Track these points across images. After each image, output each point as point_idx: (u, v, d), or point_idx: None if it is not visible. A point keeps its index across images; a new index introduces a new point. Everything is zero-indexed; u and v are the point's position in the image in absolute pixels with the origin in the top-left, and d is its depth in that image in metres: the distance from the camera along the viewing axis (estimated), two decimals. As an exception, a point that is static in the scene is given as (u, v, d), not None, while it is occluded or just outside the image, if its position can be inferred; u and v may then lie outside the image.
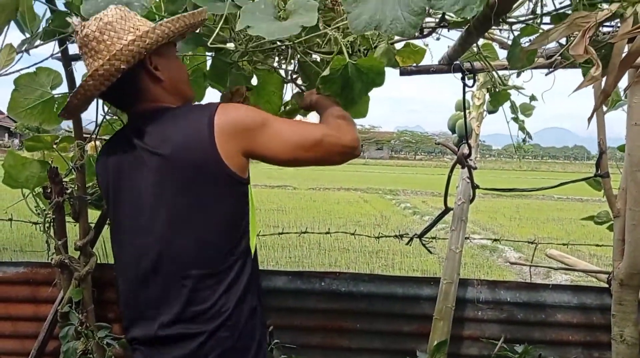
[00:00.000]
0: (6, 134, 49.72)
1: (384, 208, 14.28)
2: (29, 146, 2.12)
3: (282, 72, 1.74)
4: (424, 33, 1.58)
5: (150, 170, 1.25)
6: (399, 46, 1.74)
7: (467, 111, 2.53)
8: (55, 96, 1.99)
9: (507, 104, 2.21)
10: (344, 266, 7.24)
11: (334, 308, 2.47)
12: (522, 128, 2.12)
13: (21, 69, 1.73)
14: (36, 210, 2.20)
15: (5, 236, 7.73)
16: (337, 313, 2.48)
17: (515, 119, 2.29)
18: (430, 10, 1.50)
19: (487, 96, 2.48)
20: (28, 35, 1.71)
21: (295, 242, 8.35)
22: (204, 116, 1.24)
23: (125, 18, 1.28)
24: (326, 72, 1.43)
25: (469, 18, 1.25)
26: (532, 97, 2.05)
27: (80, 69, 2.09)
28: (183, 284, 1.24)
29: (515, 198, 17.42)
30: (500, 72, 1.86)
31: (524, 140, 2.15)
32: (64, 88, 2.00)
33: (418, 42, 1.73)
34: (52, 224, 2.18)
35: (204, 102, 1.78)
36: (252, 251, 1.33)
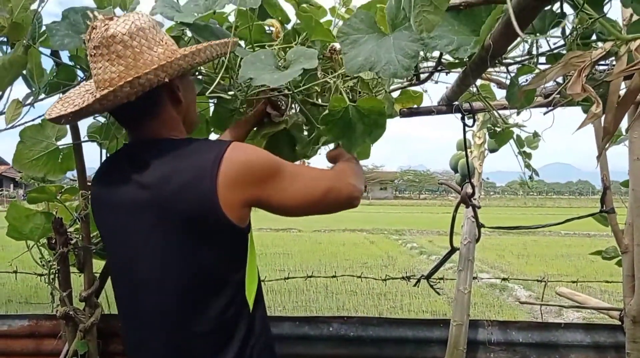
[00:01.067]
0: (11, 185, 50.04)
1: (391, 249, 14.18)
2: (31, 198, 2.13)
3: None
4: (421, 79, 1.60)
5: (143, 208, 1.16)
6: (397, 93, 1.77)
7: (468, 150, 2.56)
8: (60, 147, 2.01)
9: (510, 141, 2.23)
10: (352, 310, 7.15)
11: (343, 353, 2.42)
12: (527, 165, 2.12)
13: (26, 123, 1.75)
14: (41, 261, 2.20)
15: (10, 288, 7.69)
16: (346, 358, 2.43)
17: (522, 154, 2.28)
18: (427, 54, 1.55)
19: (488, 135, 2.50)
20: (34, 89, 1.75)
21: (302, 286, 8.26)
22: (209, 160, 1.14)
23: (155, 28, 1.20)
24: (326, 111, 1.44)
25: (464, 59, 1.28)
26: (535, 134, 2.07)
27: (84, 121, 2.12)
28: (175, 341, 1.18)
29: (523, 235, 17.28)
30: (500, 112, 1.88)
31: (530, 177, 2.15)
32: (68, 139, 2.03)
33: (416, 88, 1.76)
34: (56, 275, 2.17)
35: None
36: (251, 305, 1.22)
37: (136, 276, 1.21)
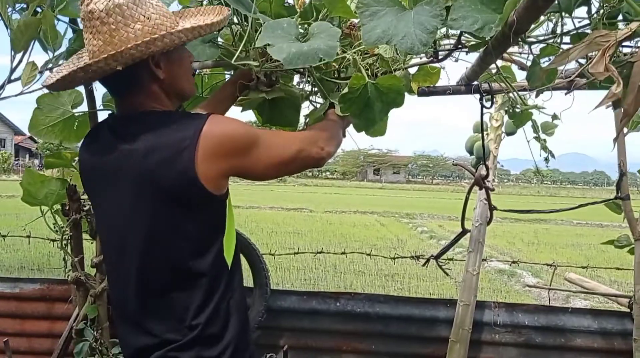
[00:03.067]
0: (27, 155, 50.58)
1: (401, 232, 14.19)
2: (48, 163, 2.15)
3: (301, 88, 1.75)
4: (439, 57, 1.58)
5: (126, 179, 1.21)
6: (414, 70, 1.75)
7: (484, 133, 2.53)
8: (76, 114, 2.02)
9: (525, 127, 2.19)
10: (359, 289, 7.18)
11: (349, 329, 2.45)
12: (544, 147, 2.09)
13: (41, 88, 1.75)
14: (54, 227, 2.23)
15: (23, 255, 7.82)
16: (353, 334, 2.45)
17: (537, 139, 2.25)
18: (449, 31, 1.52)
19: (506, 118, 2.47)
20: (51, 55, 1.75)
21: (310, 264, 8.32)
22: (188, 135, 1.18)
23: (137, 3, 1.21)
24: (345, 90, 1.43)
25: (487, 38, 1.26)
26: (555, 117, 2.03)
27: (100, 89, 2.12)
28: (156, 300, 1.24)
29: (534, 223, 17.19)
30: (520, 93, 1.85)
31: (546, 159, 2.11)
32: (84, 107, 2.03)
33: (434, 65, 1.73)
34: (69, 241, 2.20)
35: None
36: (229, 264, 1.29)
37: (121, 243, 1.27)
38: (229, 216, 1.29)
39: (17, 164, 41.41)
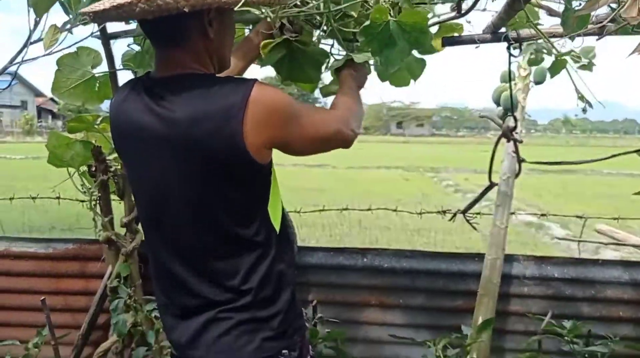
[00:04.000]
0: (49, 117, 51.26)
1: (425, 186, 14.14)
2: (71, 127, 2.16)
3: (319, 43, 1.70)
4: (463, 10, 1.52)
5: (168, 144, 1.18)
6: (435, 28, 1.68)
7: (512, 83, 2.46)
8: (96, 75, 2.02)
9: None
10: (385, 244, 7.22)
11: (376, 284, 2.46)
12: (581, 97, 1.99)
13: (63, 49, 1.74)
14: (82, 189, 2.26)
15: (53, 216, 8.01)
16: (380, 289, 2.46)
17: (580, 96, 2.13)
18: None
19: (534, 67, 2.38)
20: (71, 16, 1.73)
21: (335, 220, 8.36)
22: (236, 102, 1.14)
23: None
24: (367, 22, 1.36)
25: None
26: (590, 64, 1.94)
27: (119, 48, 2.11)
28: (204, 264, 1.24)
29: (562, 174, 16.94)
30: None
31: (584, 109, 2.02)
32: (103, 67, 2.02)
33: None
34: (98, 202, 2.24)
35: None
36: (277, 229, 1.29)
37: (164, 207, 1.25)
38: (274, 184, 1.29)
39: (40, 126, 42.03)
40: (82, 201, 2.36)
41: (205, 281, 1.24)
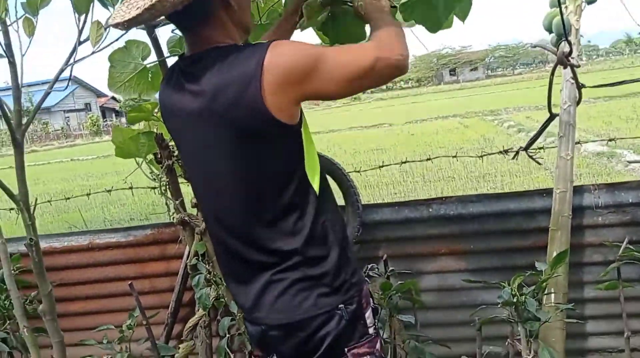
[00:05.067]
0: (113, 115, 53.23)
1: (487, 131, 13.78)
2: (131, 118, 2.26)
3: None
4: None
5: (200, 117, 1.24)
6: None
7: (563, 6, 2.34)
8: (148, 66, 2.09)
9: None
10: (451, 194, 7.15)
11: (445, 233, 2.46)
12: None
13: (110, 44, 1.81)
14: (151, 176, 2.37)
15: (130, 208, 8.43)
16: (449, 237, 2.47)
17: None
18: None
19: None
20: (112, 10, 1.80)
21: (398, 178, 8.34)
22: (251, 67, 1.17)
23: None
24: None
25: None
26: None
27: (163, 34, 2.16)
28: (249, 231, 1.29)
29: (631, 98, 16.02)
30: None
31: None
32: (153, 57, 2.09)
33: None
34: (167, 186, 2.34)
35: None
36: (317, 188, 1.30)
37: (207, 181, 1.34)
38: (307, 143, 1.30)
39: (105, 125, 43.80)
40: (154, 188, 2.48)
41: (253, 248, 1.30)
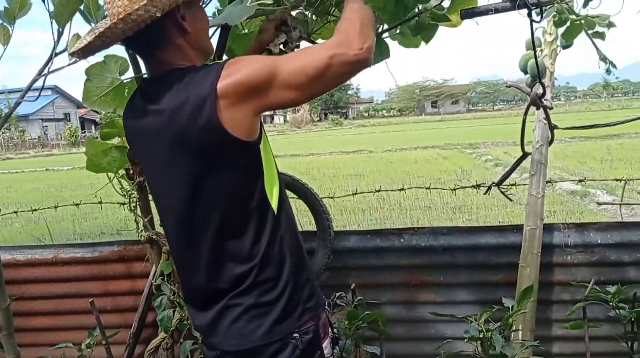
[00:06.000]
0: (93, 126, 52.71)
1: (464, 163, 13.93)
2: (105, 133, 2.23)
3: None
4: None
5: (159, 138, 1.25)
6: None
7: (538, 48, 2.40)
8: (125, 81, 2.07)
9: (586, 39, 2.03)
10: (426, 224, 7.17)
11: (415, 263, 2.46)
12: (603, 58, 1.94)
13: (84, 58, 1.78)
14: (122, 191, 2.33)
15: (102, 221, 8.29)
16: (420, 268, 2.46)
17: (601, 56, 2.06)
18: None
19: (560, 30, 2.32)
20: (93, 25, 1.78)
21: (375, 204, 8.35)
22: (207, 86, 1.18)
23: None
24: None
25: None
26: (610, 24, 1.89)
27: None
28: (207, 252, 1.28)
29: (606, 139, 16.41)
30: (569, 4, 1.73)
31: (607, 70, 1.96)
32: (131, 73, 2.07)
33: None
34: (137, 203, 2.30)
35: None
36: (275, 206, 1.29)
37: (167, 200, 1.34)
38: (267, 160, 1.29)
39: (84, 136, 43.34)
40: (123, 204, 2.44)
41: (210, 270, 1.29)
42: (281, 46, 1.56)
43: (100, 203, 2.69)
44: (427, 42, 1.72)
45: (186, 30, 1.28)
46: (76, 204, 2.84)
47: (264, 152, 1.29)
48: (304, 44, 1.64)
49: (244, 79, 1.19)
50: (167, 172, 1.29)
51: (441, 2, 1.61)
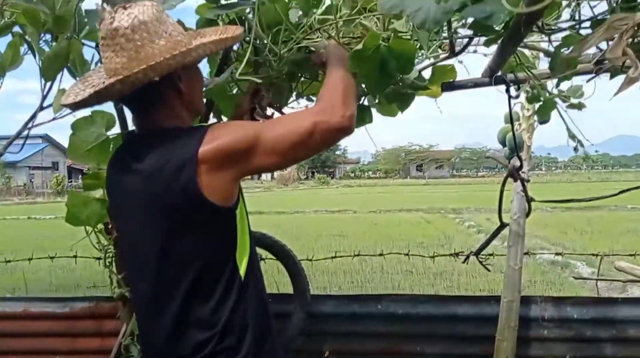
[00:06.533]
0: (80, 176, 52.39)
1: (447, 228, 13.97)
2: (87, 184, 2.22)
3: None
4: (456, 51, 1.56)
5: (139, 197, 1.25)
6: (428, 72, 1.71)
7: (517, 123, 2.48)
8: (110, 136, 2.08)
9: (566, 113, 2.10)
10: (407, 289, 7.12)
11: (392, 331, 2.43)
12: (572, 136, 2.01)
13: (71, 112, 1.81)
14: (98, 246, 2.30)
15: (79, 274, 8.09)
16: (396, 336, 2.43)
17: (570, 134, 2.14)
18: (464, 22, 1.49)
19: (537, 106, 2.40)
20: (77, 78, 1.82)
21: (357, 266, 8.28)
22: (188, 149, 1.19)
23: (160, 20, 1.23)
24: (359, 46, 1.39)
25: (496, 27, 1.24)
26: (580, 105, 1.96)
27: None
28: (174, 316, 1.25)
29: (586, 211, 16.63)
30: (544, 80, 1.80)
31: (575, 148, 2.03)
32: (117, 128, 2.09)
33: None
34: (113, 259, 2.27)
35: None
36: (243, 273, 1.28)
37: (138, 261, 1.32)
38: (241, 226, 1.29)
39: (70, 185, 42.99)
40: (99, 258, 2.40)
41: (175, 334, 1.26)
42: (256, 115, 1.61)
43: (75, 257, 2.65)
44: (402, 111, 1.76)
45: (182, 91, 1.30)
46: (51, 258, 2.79)
47: (240, 217, 1.29)
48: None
49: (226, 145, 1.20)
50: (140, 231, 1.28)
51: (421, 71, 1.68)
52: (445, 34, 1.52)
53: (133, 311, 2.22)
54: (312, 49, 1.53)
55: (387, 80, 1.46)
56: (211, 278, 1.24)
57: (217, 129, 1.24)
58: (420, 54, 1.62)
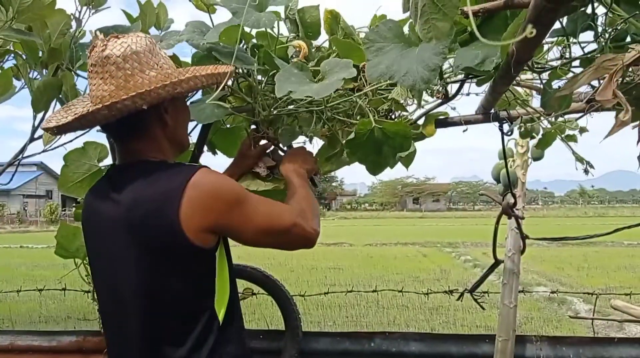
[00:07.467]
0: (74, 205, 52.18)
1: (444, 262, 13.90)
2: (78, 214, 2.19)
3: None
4: (449, 96, 1.58)
5: (116, 230, 1.21)
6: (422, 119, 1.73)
7: (511, 159, 2.48)
8: (102, 168, 2.07)
9: (562, 148, 2.10)
10: (402, 324, 7.03)
11: (385, 370, 2.38)
12: (579, 159, 1.97)
13: (64, 143, 1.81)
14: (87, 279, 2.27)
15: (69, 305, 7.98)
16: (389, 375, 2.38)
17: (577, 157, 2.12)
18: (455, 67, 1.51)
19: (531, 143, 2.41)
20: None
21: (352, 301, 8.19)
22: (175, 186, 1.17)
23: (153, 52, 1.24)
24: (352, 135, 1.43)
25: (490, 71, 1.25)
26: (574, 136, 1.97)
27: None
28: (147, 355, 1.22)
29: (582, 246, 16.59)
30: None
31: (585, 171, 1.99)
32: (109, 160, 2.08)
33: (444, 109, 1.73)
34: (101, 292, 2.23)
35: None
36: (221, 318, 1.25)
37: (111, 295, 1.28)
38: (220, 269, 1.26)
39: (64, 214, 42.77)
40: (87, 291, 2.36)
41: None
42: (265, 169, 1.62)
43: (64, 289, 2.61)
44: (407, 166, 1.80)
45: (166, 123, 1.29)
46: (39, 290, 2.74)
47: (219, 263, 1.26)
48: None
49: (214, 190, 1.20)
50: (114, 265, 1.24)
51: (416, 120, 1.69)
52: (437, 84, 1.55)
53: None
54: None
55: (386, 161, 1.48)
56: (185, 322, 1.21)
57: (208, 174, 1.23)
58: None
